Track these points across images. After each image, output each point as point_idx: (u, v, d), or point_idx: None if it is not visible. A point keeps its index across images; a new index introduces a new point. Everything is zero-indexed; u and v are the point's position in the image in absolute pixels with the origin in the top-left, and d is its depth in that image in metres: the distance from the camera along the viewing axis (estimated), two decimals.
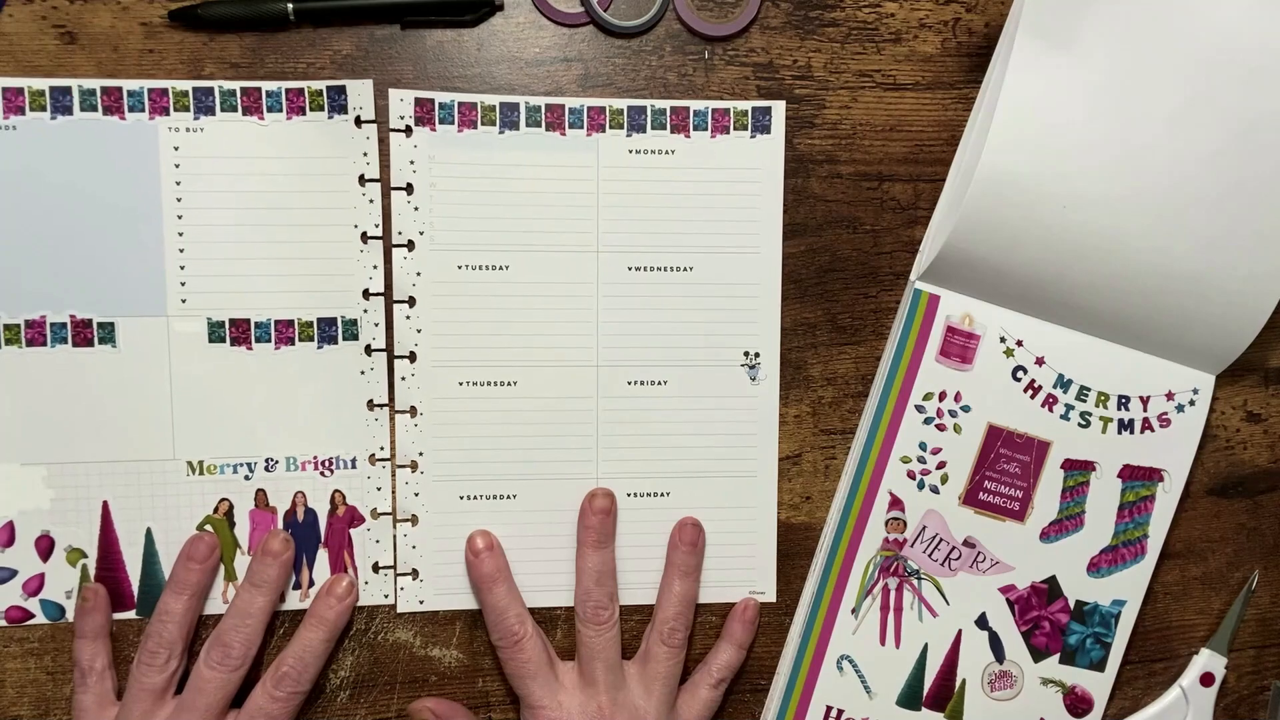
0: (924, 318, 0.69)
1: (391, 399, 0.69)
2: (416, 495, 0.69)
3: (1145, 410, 0.70)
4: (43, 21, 0.65)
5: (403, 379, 0.69)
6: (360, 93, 0.67)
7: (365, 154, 0.67)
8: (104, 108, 0.65)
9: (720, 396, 0.71)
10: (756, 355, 0.70)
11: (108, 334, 0.66)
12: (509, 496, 0.70)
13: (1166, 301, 0.67)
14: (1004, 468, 0.70)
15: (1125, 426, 0.70)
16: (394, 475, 0.69)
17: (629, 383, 0.70)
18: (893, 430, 0.70)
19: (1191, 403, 0.70)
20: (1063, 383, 0.69)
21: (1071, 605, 0.70)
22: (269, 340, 0.67)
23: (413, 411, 0.69)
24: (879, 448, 0.70)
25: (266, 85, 0.66)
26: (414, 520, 0.69)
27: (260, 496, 0.68)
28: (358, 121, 0.67)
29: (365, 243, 0.68)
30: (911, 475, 0.70)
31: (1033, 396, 0.69)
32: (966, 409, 0.69)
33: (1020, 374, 0.69)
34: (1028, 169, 0.64)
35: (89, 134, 0.65)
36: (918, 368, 0.69)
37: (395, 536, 0.69)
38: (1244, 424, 0.73)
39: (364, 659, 0.70)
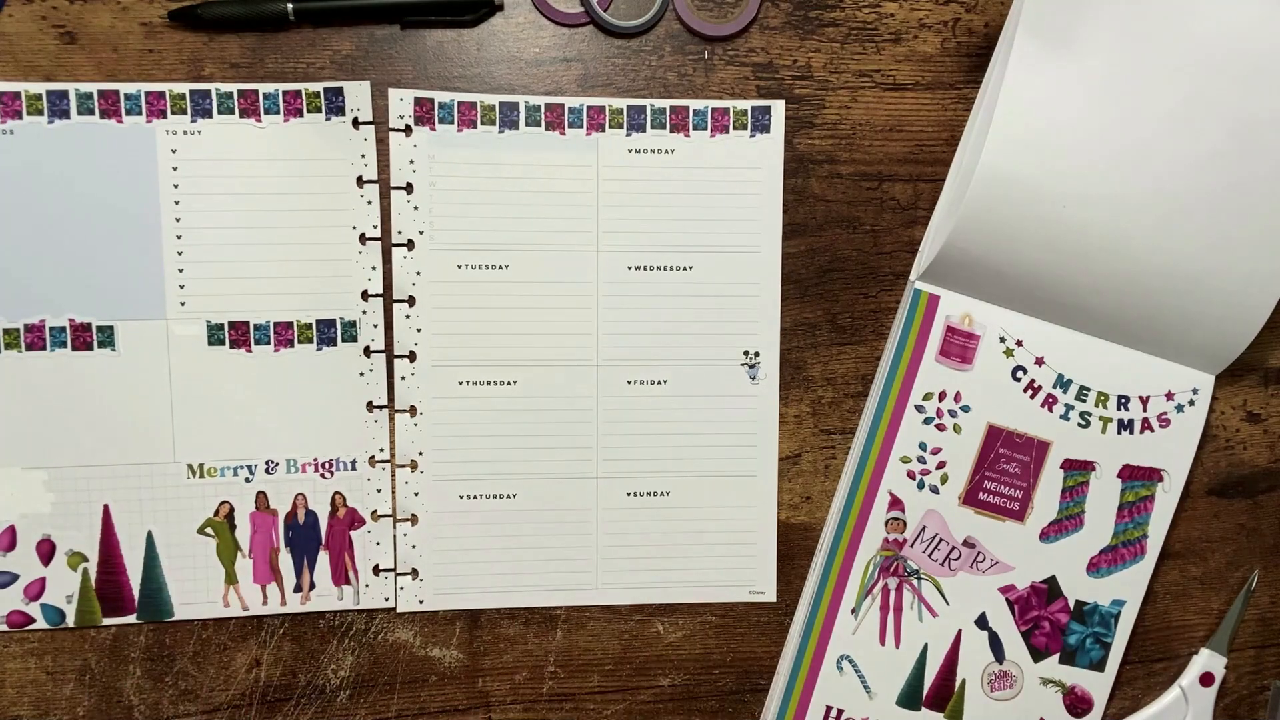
0: (924, 318, 0.69)
1: (391, 399, 0.69)
2: (416, 495, 0.69)
3: (1145, 410, 0.70)
4: (43, 21, 0.65)
5: (402, 378, 0.69)
6: (358, 94, 0.66)
7: (363, 155, 0.67)
8: (101, 111, 0.65)
9: (720, 396, 0.71)
10: (756, 355, 0.70)
11: (107, 337, 0.66)
12: (509, 496, 0.70)
13: (1166, 301, 0.67)
14: (1004, 468, 0.70)
15: (1125, 426, 0.70)
16: (394, 475, 0.69)
17: (629, 382, 0.70)
18: (893, 430, 0.70)
19: (1191, 403, 0.70)
20: (1062, 383, 0.69)
21: (1071, 605, 0.71)
22: (268, 342, 0.67)
23: (412, 411, 0.69)
24: (879, 448, 0.70)
25: (264, 87, 0.66)
26: (414, 520, 0.70)
27: (261, 499, 0.68)
28: (355, 123, 0.67)
29: (363, 244, 0.68)
30: (911, 475, 0.70)
31: (1032, 396, 0.69)
32: (966, 409, 0.69)
33: (1020, 374, 0.69)
34: (1027, 169, 0.64)
35: (86, 137, 0.65)
36: (918, 368, 0.69)
37: (395, 536, 0.70)
38: (1244, 424, 0.73)
39: (364, 659, 0.70)
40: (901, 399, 0.69)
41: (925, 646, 0.71)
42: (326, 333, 0.68)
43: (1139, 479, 0.70)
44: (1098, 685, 0.71)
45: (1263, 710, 0.75)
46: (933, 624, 0.71)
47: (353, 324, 0.68)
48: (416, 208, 0.68)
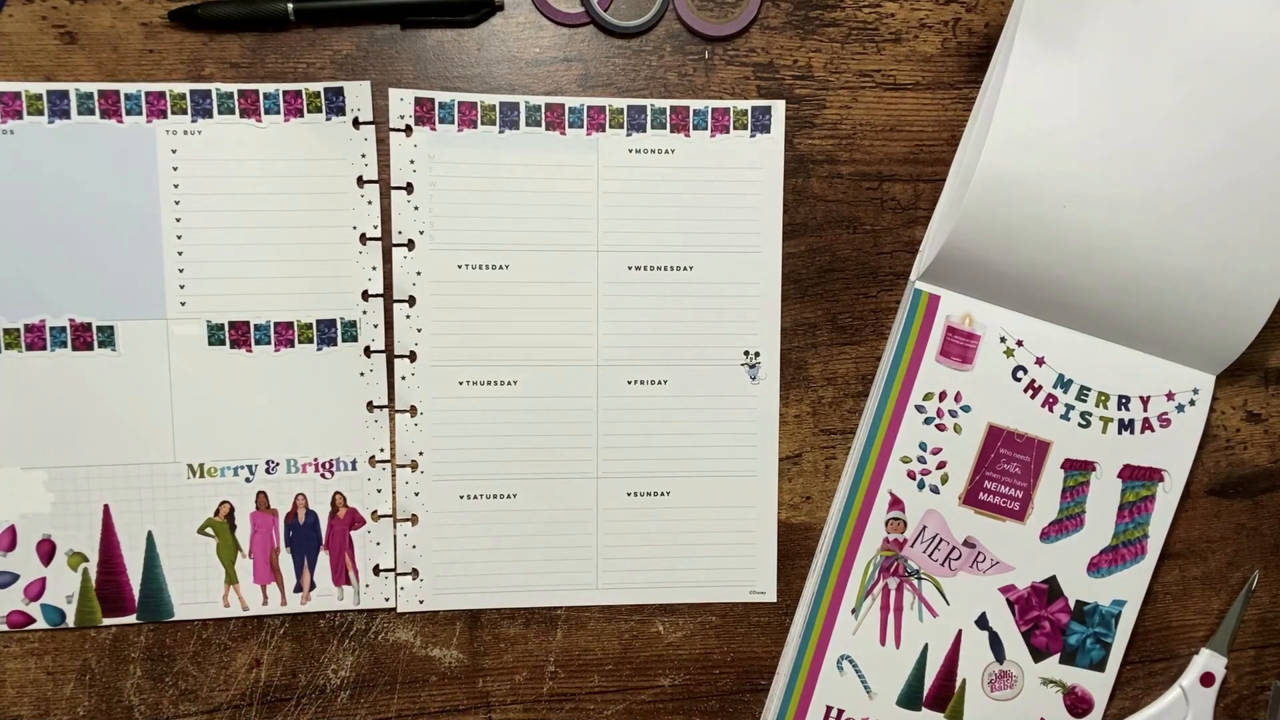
0: (924, 318, 0.69)
1: (391, 399, 0.69)
2: (416, 495, 0.69)
3: (1145, 410, 0.70)
4: (43, 21, 0.65)
5: (403, 378, 0.69)
6: (358, 94, 0.66)
7: (363, 155, 0.67)
8: (101, 111, 0.65)
9: (720, 396, 0.71)
10: (756, 355, 0.70)
11: (107, 337, 0.66)
12: (509, 496, 0.70)
13: (1166, 301, 0.67)
14: (1004, 468, 0.70)
15: (1125, 426, 0.70)
16: (394, 475, 0.69)
17: (629, 382, 0.70)
18: (893, 430, 0.70)
19: (1192, 403, 0.70)
20: (1063, 383, 0.69)
21: (1072, 605, 0.71)
22: (268, 342, 0.67)
23: (413, 411, 0.69)
24: (879, 448, 0.70)
25: (264, 87, 0.66)
26: (414, 520, 0.70)
27: (261, 499, 0.68)
28: (355, 123, 0.67)
29: (364, 244, 0.68)
30: (911, 475, 0.70)
31: (1033, 396, 0.69)
32: (966, 409, 0.69)
33: (1020, 374, 0.69)
34: (1027, 169, 0.64)
35: (87, 137, 0.65)
36: (918, 368, 0.69)
37: (395, 536, 0.70)
38: (1244, 424, 0.73)
39: (364, 659, 0.70)
40: (902, 399, 0.69)
41: (925, 647, 0.71)
42: (326, 333, 0.68)
43: (1139, 479, 0.70)
44: (1098, 685, 0.71)
45: (1263, 710, 0.75)
46: (933, 624, 0.71)
47: (353, 324, 0.68)
48: (417, 208, 0.68)
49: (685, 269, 0.70)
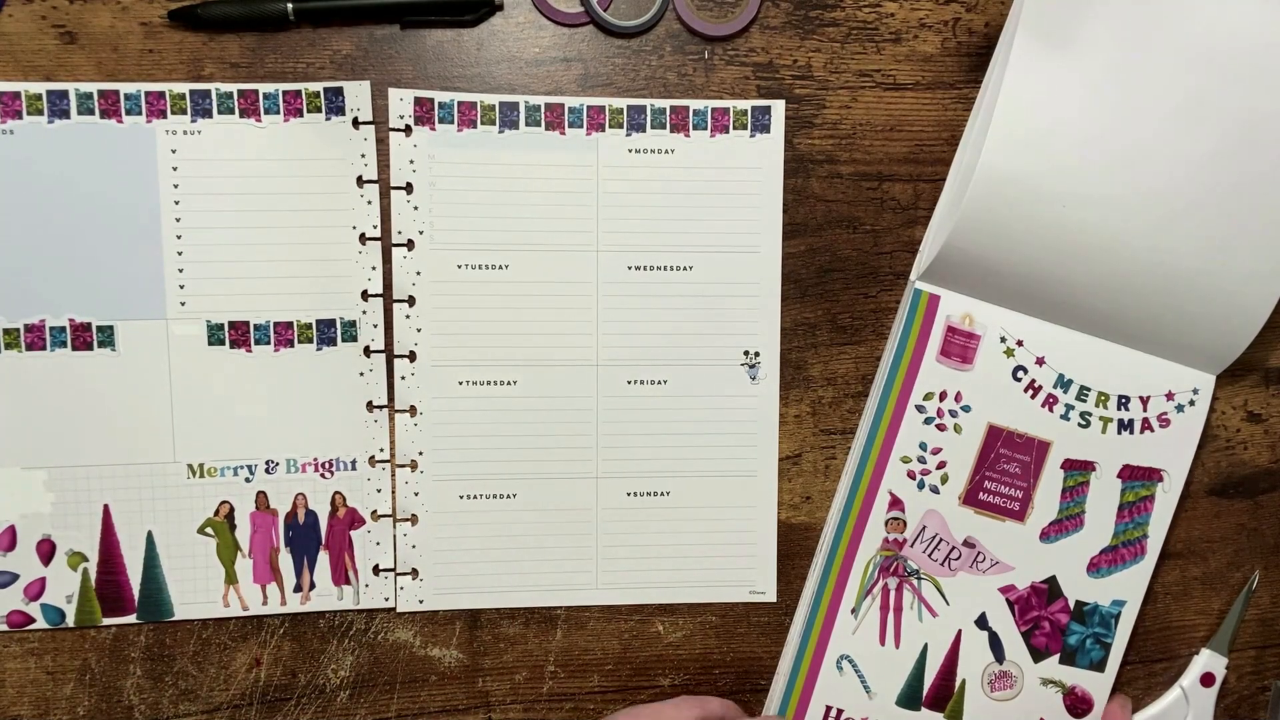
0: (924, 318, 0.69)
1: (391, 399, 0.69)
2: (416, 495, 0.69)
3: (1145, 410, 0.70)
4: (43, 21, 0.65)
5: (402, 378, 0.69)
6: (358, 94, 0.66)
7: (363, 155, 0.67)
8: (101, 111, 0.65)
9: (720, 396, 0.71)
10: (756, 355, 0.70)
11: (107, 337, 0.66)
12: (509, 496, 0.70)
13: (1166, 301, 0.67)
14: (1004, 468, 0.70)
15: (1125, 426, 0.69)
16: (394, 474, 0.69)
17: (629, 382, 0.70)
18: (893, 430, 0.69)
19: (1191, 403, 0.70)
20: (1063, 383, 0.69)
21: (1071, 605, 0.70)
22: (268, 342, 0.67)
23: (412, 411, 0.69)
24: (879, 448, 0.70)
25: (264, 87, 0.66)
26: (414, 520, 0.70)
27: (261, 498, 0.68)
28: (355, 123, 0.67)
29: (363, 244, 0.68)
30: (911, 475, 0.70)
31: (1033, 396, 0.69)
32: (967, 409, 0.69)
33: (1020, 374, 0.69)
34: (1027, 168, 0.64)
35: (86, 137, 0.65)
36: (918, 368, 0.69)
37: (395, 536, 0.70)
38: (1244, 424, 0.73)
39: (364, 659, 0.70)
40: (902, 399, 0.69)
41: (925, 647, 0.71)
42: (326, 333, 0.68)
43: (1139, 479, 0.70)
44: (1098, 686, 0.71)
45: (1263, 711, 0.75)
46: (933, 624, 0.71)
47: (353, 324, 0.68)
48: (416, 208, 0.68)
49: (685, 269, 0.70)
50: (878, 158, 0.70)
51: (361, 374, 0.68)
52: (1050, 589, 0.70)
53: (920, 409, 0.69)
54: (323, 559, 0.69)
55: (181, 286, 0.67)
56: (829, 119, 0.70)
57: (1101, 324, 0.68)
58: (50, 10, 0.65)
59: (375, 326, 0.68)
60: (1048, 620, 0.71)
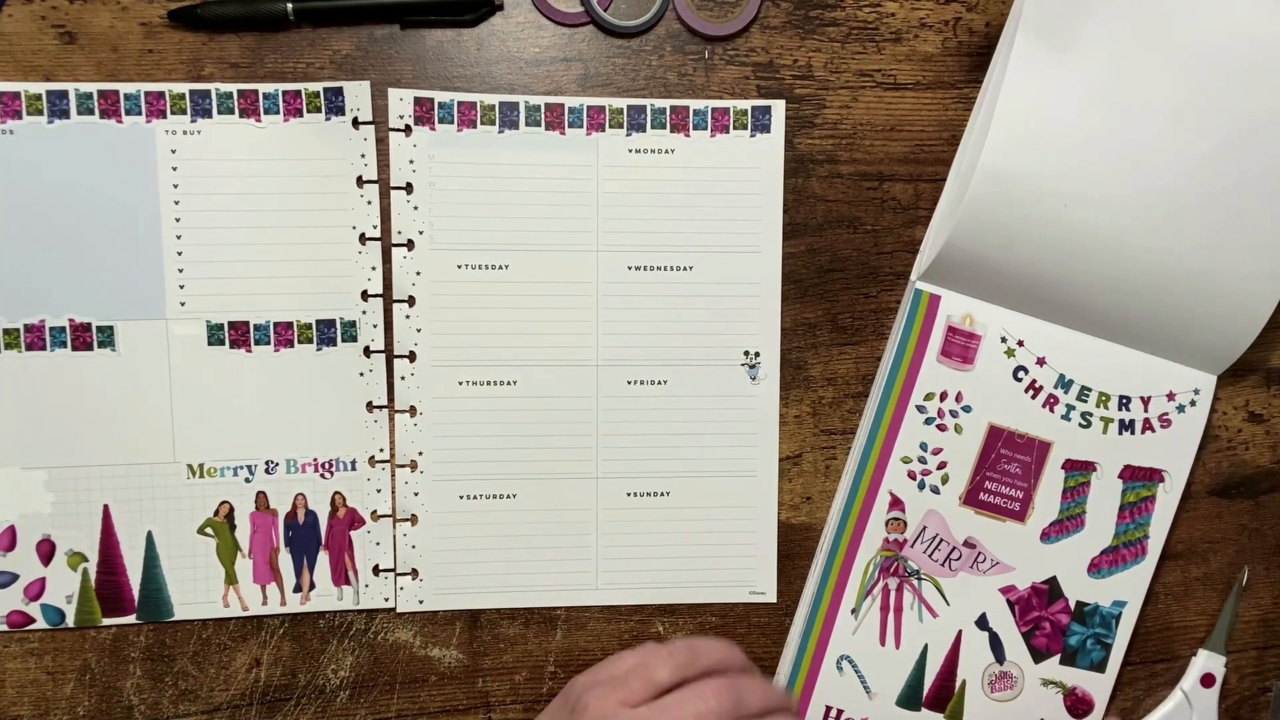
0: (925, 318, 0.69)
1: (391, 399, 0.69)
2: (416, 495, 0.69)
3: (1146, 410, 0.70)
4: (42, 21, 0.65)
5: (402, 378, 0.69)
6: (357, 94, 0.66)
7: (363, 155, 0.67)
8: (101, 111, 0.65)
9: (720, 396, 0.70)
10: (756, 355, 0.70)
11: (107, 337, 0.66)
12: (509, 496, 0.70)
13: (1167, 301, 0.67)
14: (1005, 468, 0.69)
15: (1126, 427, 0.69)
16: (394, 475, 0.69)
17: (629, 382, 0.70)
18: (894, 430, 0.69)
19: (1192, 403, 0.70)
20: (1064, 383, 0.69)
21: (1072, 606, 0.70)
22: (268, 342, 0.67)
23: (412, 411, 0.69)
24: (879, 448, 0.70)
25: (263, 87, 0.66)
26: (414, 520, 0.70)
27: (261, 499, 0.68)
28: (355, 123, 0.67)
29: (363, 244, 0.68)
30: (912, 475, 0.70)
31: (1034, 397, 0.69)
32: (968, 409, 0.69)
33: (1021, 374, 0.69)
34: (1028, 168, 0.64)
35: (86, 137, 0.65)
36: (919, 368, 0.69)
37: (395, 536, 0.70)
38: (1245, 424, 0.73)
39: (364, 659, 0.70)
40: (903, 399, 0.69)
41: (925, 647, 0.71)
42: (326, 333, 0.68)
43: (1140, 479, 0.70)
44: (1098, 686, 0.71)
45: (1264, 711, 0.75)
46: (933, 624, 0.70)
47: (353, 324, 0.68)
48: (416, 208, 0.68)
49: (685, 269, 0.70)
50: (878, 158, 0.70)
51: (361, 374, 0.68)
52: (1051, 589, 0.70)
53: (921, 409, 0.69)
54: (323, 559, 0.69)
55: (181, 286, 0.67)
56: (829, 119, 0.69)
57: (1102, 324, 0.68)
58: (50, 10, 0.65)
59: (375, 326, 0.68)
60: (1048, 621, 0.70)
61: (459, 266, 0.68)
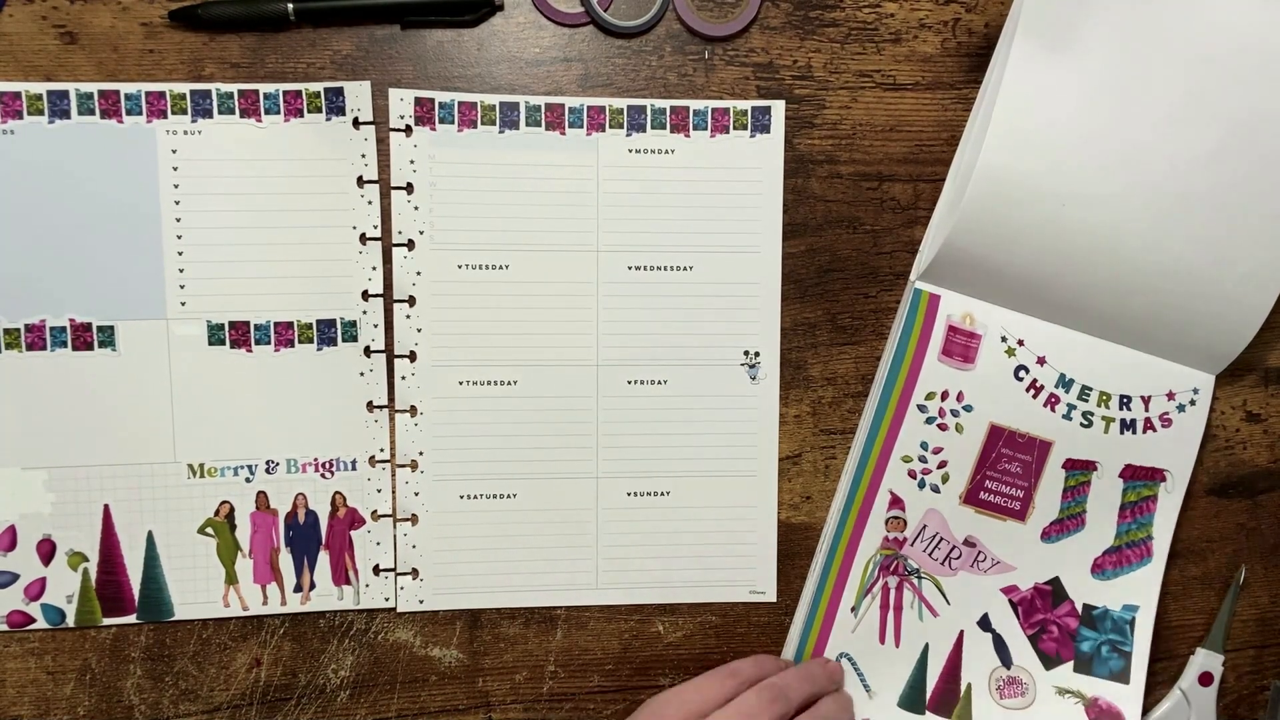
0: (925, 317, 0.69)
1: (391, 398, 0.69)
2: (416, 495, 0.69)
3: (1147, 410, 0.70)
4: (43, 22, 0.65)
5: (403, 378, 0.69)
6: (358, 94, 0.66)
7: (363, 155, 0.67)
8: (101, 111, 0.65)
9: (720, 396, 0.71)
10: (756, 355, 0.70)
11: (107, 337, 0.66)
12: (509, 496, 0.70)
13: (1165, 300, 0.67)
14: (1005, 467, 0.70)
15: (1127, 426, 0.69)
16: (394, 474, 0.69)
17: (629, 382, 0.70)
18: (894, 430, 0.70)
19: (1192, 402, 0.70)
20: (1064, 382, 0.69)
21: (1079, 609, 0.70)
22: (269, 342, 0.67)
23: (413, 411, 0.69)
24: (879, 447, 0.70)
25: (264, 87, 0.66)
26: (414, 520, 0.70)
27: (261, 499, 0.68)
28: (356, 123, 0.67)
29: (364, 244, 0.68)
30: (912, 474, 0.70)
31: (1034, 396, 0.69)
32: (969, 409, 0.69)
33: (1022, 374, 0.69)
34: (1027, 168, 0.64)
35: (87, 137, 0.65)
36: (920, 367, 0.69)
37: (395, 536, 0.70)
38: (1244, 424, 0.73)
39: (364, 659, 0.70)
40: (904, 399, 0.69)
41: (926, 647, 0.71)
42: (326, 333, 0.68)
43: (1141, 479, 0.70)
44: (1124, 698, 0.70)
45: (1263, 710, 0.75)
46: (934, 623, 0.70)
47: (353, 324, 0.68)
48: (417, 208, 0.68)
49: (685, 269, 0.70)
50: (878, 158, 0.70)
51: (362, 374, 0.68)
52: (1055, 590, 0.70)
53: (922, 409, 0.69)
54: (323, 559, 0.69)
55: (182, 286, 0.67)
56: (829, 119, 0.70)
57: (1101, 324, 0.68)
58: (50, 10, 0.65)
59: (375, 326, 0.68)
60: (1055, 624, 0.70)
61: (459, 266, 0.68)
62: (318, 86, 0.66)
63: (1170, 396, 0.70)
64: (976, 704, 0.70)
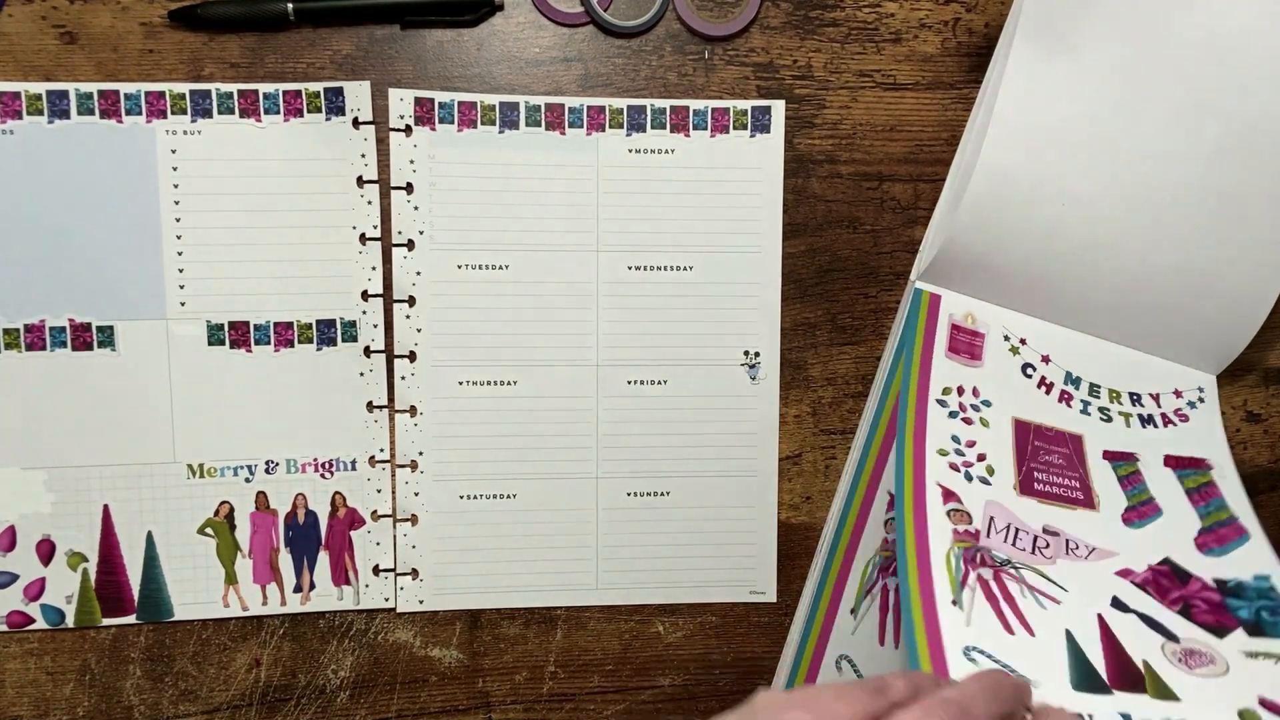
0: (928, 316, 0.69)
1: (391, 399, 0.69)
2: (416, 495, 0.69)
3: (1159, 406, 0.69)
4: (43, 21, 0.65)
5: (402, 378, 0.69)
6: (358, 94, 0.66)
7: (363, 155, 0.67)
8: (101, 111, 0.65)
9: (720, 396, 0.71)
10: (756, 355, 0.70)
11: (107, 337, 0.66)
12: (509, 496, 0.70)
13: (1165, 300, 0.67)
14: (1047, 459, 0.67)
15: (1148, 421, 0.68)
16: (394, 475, 0.69)
17: (629, 382, 0.70)
18: (920, 425, 0.67)
19: (1201, 400, 0.69)
20: (1072, 380, 0.69)
21: (1212, 583, 0.63)
22: (268, 342, 0.67)
23: (412, 411, 0.69)
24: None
25: (264, 87, 0.66)
26: (414, 520, 0.70)
27: (261, 499, 0.68)
28: (355, 123, 0.67)
29: (364, 244, 0.68)
30: (954, 467, 0.66)
31: (1047, 393, 0.69)
32: (987, 403, 0.68)
33: (1030, 371, 0.69)
34: (1026, 167, 0.64)
35: (86, 137, 0.65)
36: (930, 363, 0.68)
37: (395, 536, 0.70)
38: (1244, 424, 0.73)
39: (364, 659, 0.70)
40: (921, 395, 0.68)
41: (1068, 633, 0.60)
42: (326, 333, 0.68)
43: (1186, 468, 0.68)
44: None
45: None
46: (1057, 611, 0.61)
47: (353, 324, 0.68)
48: (416, 208, 0.68)
49: (685, 269, 0.70)
50: (878, 158, 0.70)
51: (361, 374, 0.68)
52: (1174, 570, 0.64)
53: (941, 403, 0.68)
54: (323, 559, 0.69)
55: (181, 286, 0.67)
56: (829, 119, 0.70)
57: (1101, 323, 0.68)
58: (50, 10, 0.65)
59: (375, 326, 0.68)
60: (1199, 599, 0.64)
61: (459, 266, 0.68)
62: (317, 86, 0.66)
63: (1178, 394, 0.69)
64: (1168, 677, 0.60)
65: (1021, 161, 0.64)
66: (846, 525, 0.70)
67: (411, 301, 0.68)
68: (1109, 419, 0.69)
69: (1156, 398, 0.69)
